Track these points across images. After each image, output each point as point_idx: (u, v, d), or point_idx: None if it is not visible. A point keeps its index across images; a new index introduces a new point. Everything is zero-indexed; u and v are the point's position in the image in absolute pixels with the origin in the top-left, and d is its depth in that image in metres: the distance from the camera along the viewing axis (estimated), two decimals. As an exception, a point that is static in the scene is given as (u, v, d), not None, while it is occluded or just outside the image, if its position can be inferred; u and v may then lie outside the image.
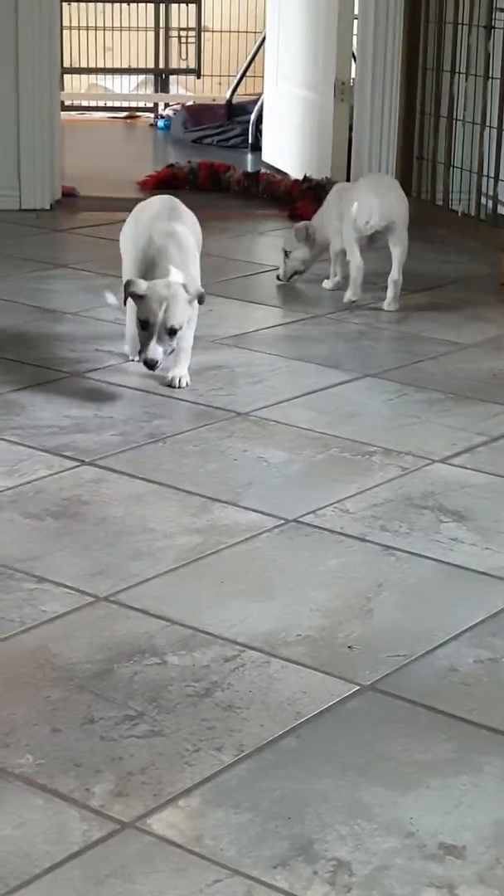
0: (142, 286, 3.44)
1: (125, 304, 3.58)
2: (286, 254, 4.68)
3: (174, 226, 3.63)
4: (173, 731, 2.01)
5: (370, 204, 4.35)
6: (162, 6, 9.24)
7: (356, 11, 6.07)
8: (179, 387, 3.56)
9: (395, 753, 1.98)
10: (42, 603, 2.39)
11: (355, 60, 6.07)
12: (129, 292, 3.46)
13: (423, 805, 1.86)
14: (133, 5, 9.20)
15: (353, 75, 6.11)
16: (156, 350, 3.38)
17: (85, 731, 2.00)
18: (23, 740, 1.97)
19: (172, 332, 3.41)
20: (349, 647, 2.28)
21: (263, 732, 2.02)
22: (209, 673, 2.18)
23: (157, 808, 1.83)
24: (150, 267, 3.53)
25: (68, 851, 1.74)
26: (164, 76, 9.34)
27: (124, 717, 2.04)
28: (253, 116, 7.60)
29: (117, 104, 9.29)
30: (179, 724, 2.03)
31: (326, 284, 4.68)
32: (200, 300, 3.53)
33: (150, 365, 3.38)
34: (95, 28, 9.22)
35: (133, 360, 3.71)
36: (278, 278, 4.72)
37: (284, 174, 6.47)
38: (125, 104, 9.29)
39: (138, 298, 3.44)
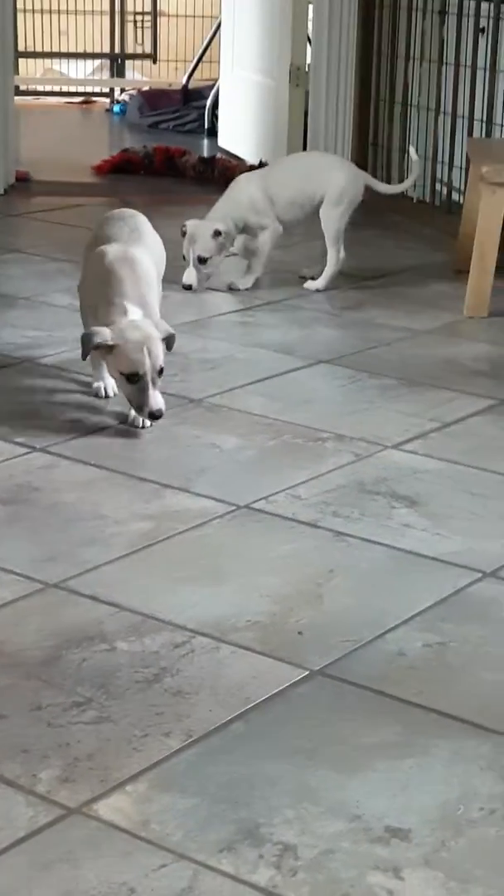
0: (107, 335, 3.08)
1: (84, 358, 3.17)
2: (203, 261, 4.29)
3: (131, 250, 3.29)
4: (122, 717, 2.01)
5: (359, 178, 4.41)
6: (118, -10, 9.19)
7: (311, -3, 6.06)
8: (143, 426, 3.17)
9: (342, 737, 1.99)
10: (-9, 589, 2.38)
11: (311, 44, 6.07)
12: (94, 345, 3.09)
13: (369, 788, 1.87)
14: (89, -11, 9.16)
15: (308, 61, 6.11)
16: (157, 399, 3.06)
17: (32, 717, 2.00)
18: (-30, 727, 1.97)
19: (161, 372, 3.10)
20: (299, 632, 2.29)
21: (212, 717, 2.02)
22: (158, 659, 2.18)
23: (104, 794, 1.83)
24: (101, 296, 3.19)
25: (14, 837, 1.74)
26: (119, 61, 9.29)
27: (72, 703, 2.04)
28: (209, 101, 7.59)
29: (73, 89, 9.24)
30: (128, 710, 2.03)
31: (247, 283, 4.44)
32: (169, 344, 3.17)
33: (159, 416, 3.07)
34: (50, 11, 9.17)
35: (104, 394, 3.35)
36: (190, 288, 4.29)
37: (240, 159, 6.46)
38: (81, 89, 9.24)
39: (108, 349, 3.10)
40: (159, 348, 3.10)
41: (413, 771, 1.91)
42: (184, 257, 4.31)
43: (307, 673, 2.16)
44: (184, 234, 4.30)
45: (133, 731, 1.98)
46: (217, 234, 4.28)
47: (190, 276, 4.32)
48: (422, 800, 1.85)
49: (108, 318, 3.14)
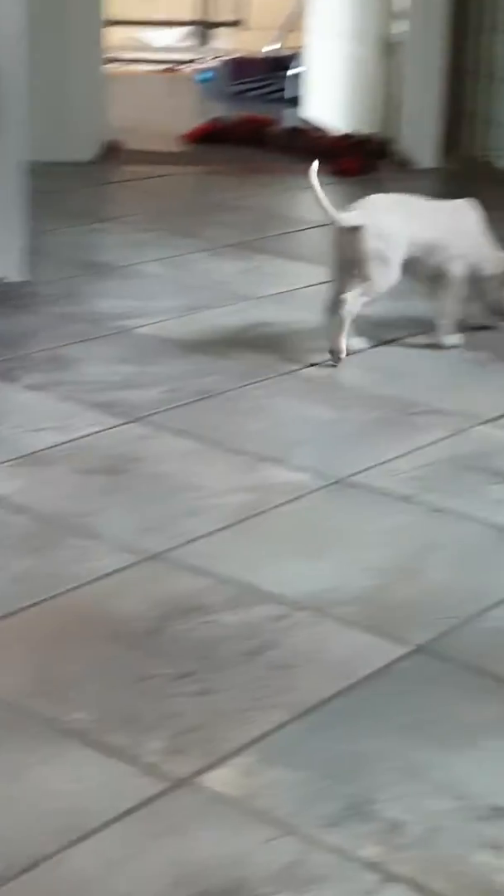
0: None
1: None
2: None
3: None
4: (226, 689, 2.02)
5: None
6: (205, -42, 9.15)
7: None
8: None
9: (447, 715, 1.99)
10: (94, 559, 2.40)
11: (402, 16, 6.01)
12: None
13: (475, 767, 1.87)
14: (176, -43, 9.12)
15: (399, 31, 6.05)
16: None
17: (138, 687, 2.02)
18: (77, 696, 1.99)
19: None
20: (400, 608, 2.29)
21: (316, 692, 2.03)
22: (261, 632, 2.18)
23: (212, 766, 1.84)
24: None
25: (124, 807, 1.76)
26: (207, 28, 9.26)
27: (177, 674, 2.05)
28: (296, 71, 7.53)
29: (160, 57, 9.22)
30: (232, 682, 2.04)
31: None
32: None
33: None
34: (137, -20, 9.14)
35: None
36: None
37: (328, 129, 6.42)
38: (167, 57, 9.22)
39: None
40: None
41: (519, 751, 1.91)
42: None
43: (409, 650, 2.16)
44: None
45: (238, 703, 1.99)
46: None
47: None
48: (529, 780, 1.84)
49: None
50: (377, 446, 2.95)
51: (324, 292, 3.51)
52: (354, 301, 3.43)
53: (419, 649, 2.16)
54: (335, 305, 3.45)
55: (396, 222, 3.47)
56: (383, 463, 2.87)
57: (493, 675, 2.10)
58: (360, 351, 3.49)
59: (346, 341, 3.43)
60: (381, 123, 6.11)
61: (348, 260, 3.43)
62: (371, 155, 5.86)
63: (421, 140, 5.88)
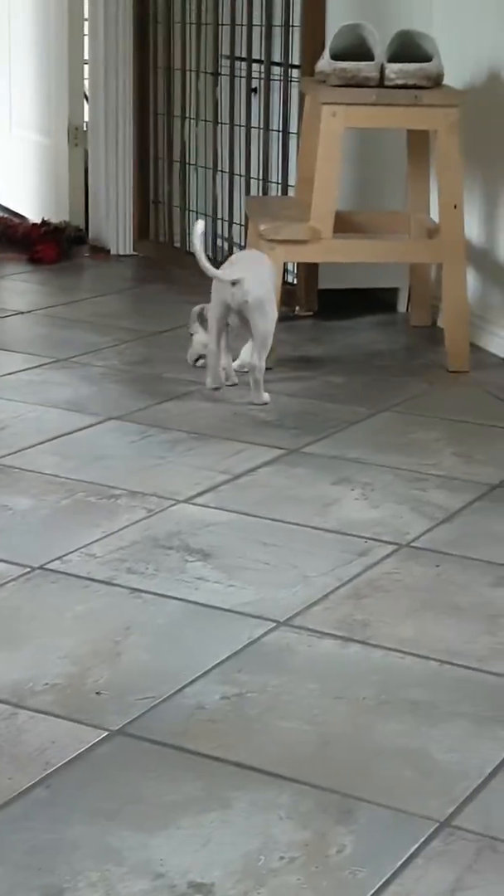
0: None
1: None
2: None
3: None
4: None
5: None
6: None
7: (86, 56, 6.11)
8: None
9: (144, 796, 2.01)
10: None
11: (88, 103, 6.12)
12: None
13: (172, 845, 1.89)
14: None
15: (86, 119, 6.15)
16: None
17: None
18: None
19: None
20: (97, 692, 2.29)
21: (12, 785, 2.01)
22: (-45, 729, 2.16)
23: None
24: None
25: None
26: None
27: None
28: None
29: None
30: None
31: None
32: None
33: None
34: None
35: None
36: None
37: (23, 218, 6.46)
38: None
39: None
40: None
41: (215, 825, 1.94)
42: None
43: (107, 733, 2.17)
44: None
45: None
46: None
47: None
48: (224, 853, 1.87)
49: None
50: (75, 532, 2.97)
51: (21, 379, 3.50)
52: (258, 360, 3.90)
53: (117, 733, 2.17)
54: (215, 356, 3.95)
55: (267, 270, 3.96)
56: (82, 547, 2.88)
57: (192, 751, 2.13)
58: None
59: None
60: (75, 211, 6.19)
61: (232, 312, 3.88)
62: (67, 242, 5.93)
63: (114, 226, 5.99)
